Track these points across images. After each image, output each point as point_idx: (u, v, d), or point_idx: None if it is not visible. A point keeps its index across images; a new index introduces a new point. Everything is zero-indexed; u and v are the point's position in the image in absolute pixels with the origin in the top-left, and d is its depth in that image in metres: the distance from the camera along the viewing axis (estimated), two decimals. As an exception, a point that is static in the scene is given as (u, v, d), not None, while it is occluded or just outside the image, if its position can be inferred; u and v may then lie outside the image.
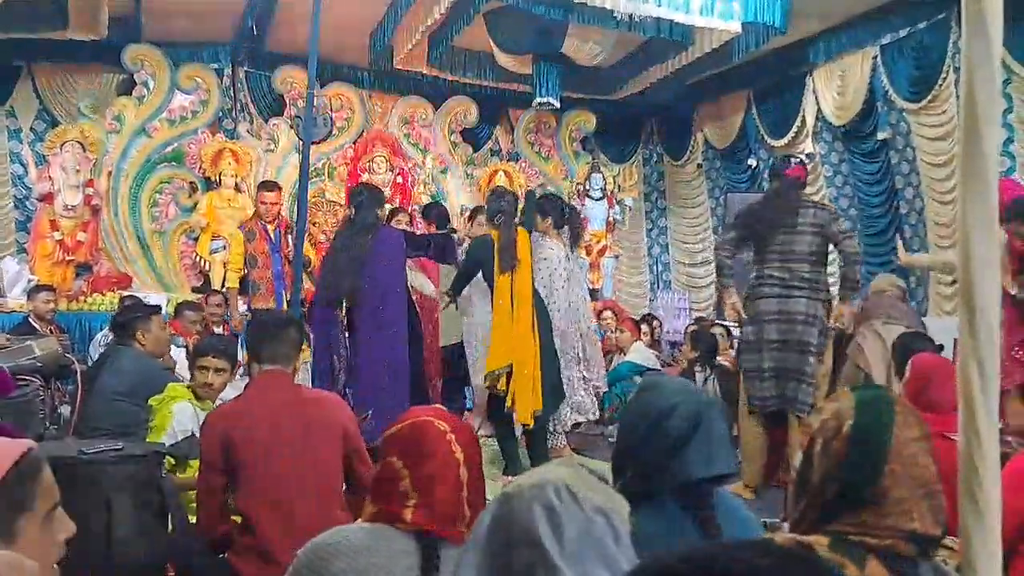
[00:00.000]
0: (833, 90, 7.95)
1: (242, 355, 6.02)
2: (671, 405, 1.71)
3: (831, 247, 4.70)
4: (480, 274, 5.29)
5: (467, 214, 7.18)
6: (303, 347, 2.95)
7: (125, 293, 6.97)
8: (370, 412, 4.34)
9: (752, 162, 9.22)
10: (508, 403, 4.92)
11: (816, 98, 8.17)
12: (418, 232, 6.17)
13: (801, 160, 5.41)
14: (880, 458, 1.36)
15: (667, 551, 0.69)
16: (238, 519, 2.64)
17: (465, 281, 5.37)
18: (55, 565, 1.34)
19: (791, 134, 8.47)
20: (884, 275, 5.98)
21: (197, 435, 3.20)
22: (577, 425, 6.33)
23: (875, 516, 1.33)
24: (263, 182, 7.08)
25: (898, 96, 7.29)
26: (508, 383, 4.93)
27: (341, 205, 9.05)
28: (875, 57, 7.49)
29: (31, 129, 8.62)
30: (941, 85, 6.88)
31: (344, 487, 2.72)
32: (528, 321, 5.05)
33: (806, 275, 4.56)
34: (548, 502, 1.06)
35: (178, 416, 3.25)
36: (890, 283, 5.48)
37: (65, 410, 4.78)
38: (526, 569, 1.03)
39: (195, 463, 3.17)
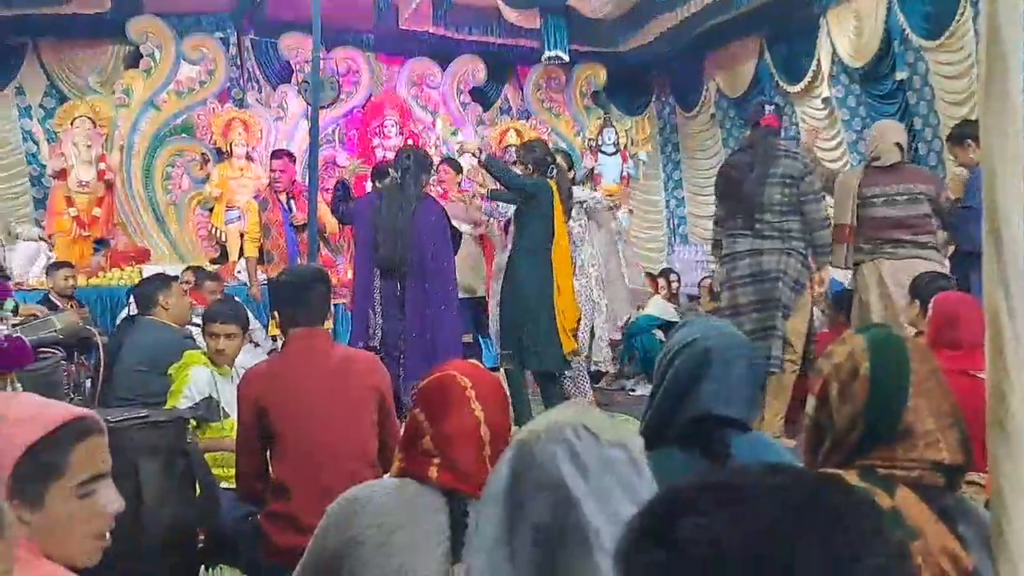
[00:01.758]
0: (848, 31, 7.78)
1: (259, 323, 6.08)
2: (690, 340, 1.70)
3: None
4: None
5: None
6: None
7: (147, 268, 7.01)
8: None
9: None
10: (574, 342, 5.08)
11: (831, 40, 8.00)
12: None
13: (776, 106, 5.34)
14: (903, 394, 1.37)
15: (684, 480, 0.67)
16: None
17: (519, 187, 5.03)
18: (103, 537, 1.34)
19: (807, 78, 8.31)
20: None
21: (215, 397, 3.23)
22: (597, 380, 6.35)
23: (903, 450, 1.35)
24: (273, 151, 7.09)
25: (915, 34, 7.13)
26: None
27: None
28: (890, -5, 7.33)
29: (40, 106, 8.62)
30: (959, 21, 6.72)
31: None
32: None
33: (776, 223, 4.52)
34: (568, 442, 1.04)
35: (195, 379, 3.25)
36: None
37: (88, 383, 4.83)
38: (551, 512, 1.01)
39: (215, 425, 3.20)
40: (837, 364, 1.43)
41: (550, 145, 6.33)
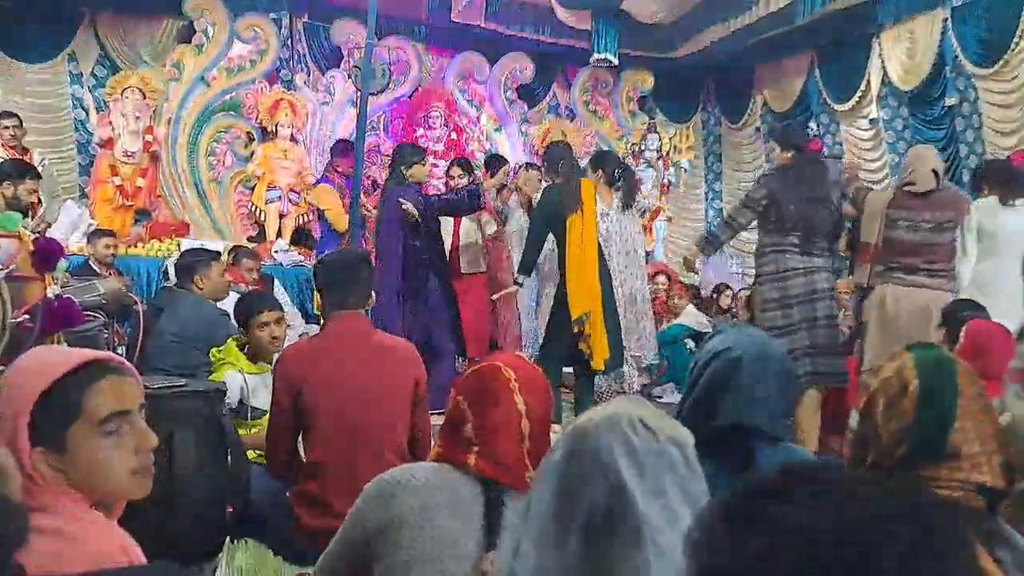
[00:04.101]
0: (901, 53, 7.71)
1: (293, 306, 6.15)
2: (722, 349, 1.71)
3: None
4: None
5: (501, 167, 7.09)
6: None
7: (186, 241, 7.08)
8: None
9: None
10: (586, 349, 4.89)
11: (882, 61, 7.93)
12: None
13: (816, 134, 5.44)
14: (951, 415, 1.37)
15: (771, 471, 0.68)
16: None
17: (538, 248, 5.09)
18: (144, 474, 1.37)
19: (855, 98, 8.25)
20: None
21: (245, 403, 3.26)
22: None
23: (947, 470, 1.35)
24: (339, 141, 7.29)
25: (968, 61, 7.05)
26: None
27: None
28: (945, 20, 7.23)
29: (92, 74, 8.72)
30: (1013, 51, 6.64)
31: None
32: (596, 269, 5.00)
33: (826, 245, 4.74)
34: (624, 434, 1.04)
35: (228, 385, 3.25)
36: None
37: (121, 351, 4.90)
38: (603, 502, 1.01)
39: (248, 423, 3.24)
40: (885, 380, 1.43)
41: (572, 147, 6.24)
